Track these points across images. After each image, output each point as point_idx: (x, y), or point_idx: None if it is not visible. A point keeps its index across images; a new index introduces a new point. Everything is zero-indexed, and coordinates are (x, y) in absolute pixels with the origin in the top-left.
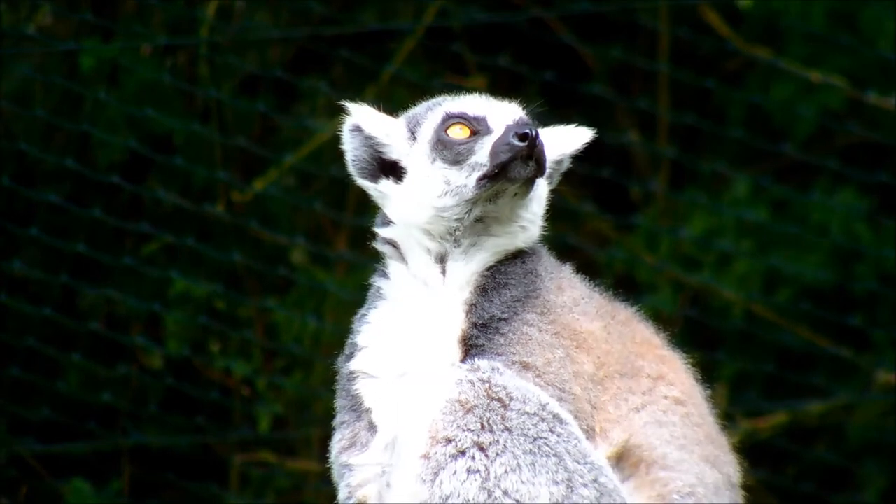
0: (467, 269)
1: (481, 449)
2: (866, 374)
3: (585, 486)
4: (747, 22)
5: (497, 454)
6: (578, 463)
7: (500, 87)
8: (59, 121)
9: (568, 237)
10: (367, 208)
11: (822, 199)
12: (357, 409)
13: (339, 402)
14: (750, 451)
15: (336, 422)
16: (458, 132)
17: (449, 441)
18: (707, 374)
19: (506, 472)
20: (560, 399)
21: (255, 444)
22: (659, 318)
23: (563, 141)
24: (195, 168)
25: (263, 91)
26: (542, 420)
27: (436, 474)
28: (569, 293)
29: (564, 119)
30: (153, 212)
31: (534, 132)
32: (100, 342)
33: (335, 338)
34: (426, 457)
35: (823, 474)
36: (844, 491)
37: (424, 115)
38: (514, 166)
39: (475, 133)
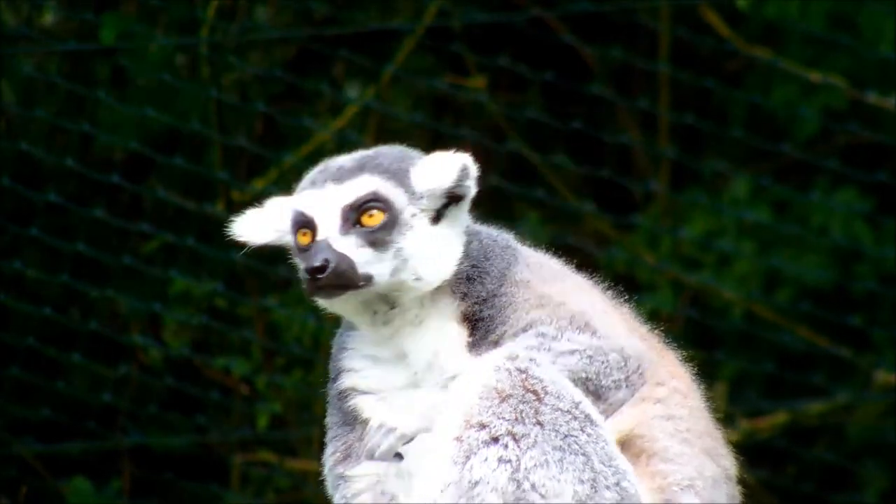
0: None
1: (515, 439)
2: (866, 374)
3: (608, 488)
4: (747, 22)
5: (528, 447)
6: (604, 465)
7: (500, 87)
8: (61, 121)
9: (568, 237)
10: None
11: (822, 199)
12: (350, 422)
13: (331, 420)
14: (750, 451)
15: (328, 437)
16: (301, 238)
17: (483, 426)
18: (707, 374)
19: (535, 465)
20: (584, 327)
21: (256, 443)
22: (659, 318)
23: (435, 174)
24: (195, 168)
25: (264, 91)
26: (574, 418)
27: (467, 458)
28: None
29: (564, 119)
30: (153, 211)
31: (319, 262)
32: (100, 342)
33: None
34: (459, 440)
35: (823, 474)
36: (844, 491)
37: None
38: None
39: (314, 235)
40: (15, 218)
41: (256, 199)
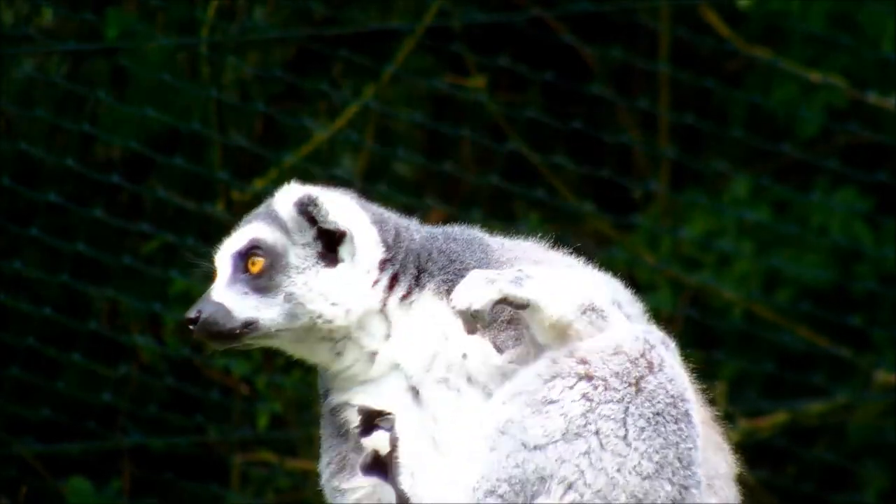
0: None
1: (605, 388)
2: (866, 374)
3: (671, 482)
4: (747, 22)
5: (613, 400)
6: (679, 462)
7: (500, 87)
8: (60, 121)
9: (568, 237)
10: None
11: (822, 199)
12: (343, 433)
13: (324, 432)
14: (750, 451)
15: (322, 447)
16: None
17: (584, 363)
18: (707, 373)
19: (610, 417)
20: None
21: (256, 443)
22: (659, 318)
23: (283, 210)
24: (195, 168)
25: (264, 91)
26: (674, 406)
27: (553, 377)
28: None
29: (564, 119)
30: (153, 211)
31: (192, 314)
32: (100, 342)
33: None
34: (555, 361)
35: (823, 474)
36: (844, 491)
37: None
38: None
39: None
40: (15, 218)
41: (256, 199)
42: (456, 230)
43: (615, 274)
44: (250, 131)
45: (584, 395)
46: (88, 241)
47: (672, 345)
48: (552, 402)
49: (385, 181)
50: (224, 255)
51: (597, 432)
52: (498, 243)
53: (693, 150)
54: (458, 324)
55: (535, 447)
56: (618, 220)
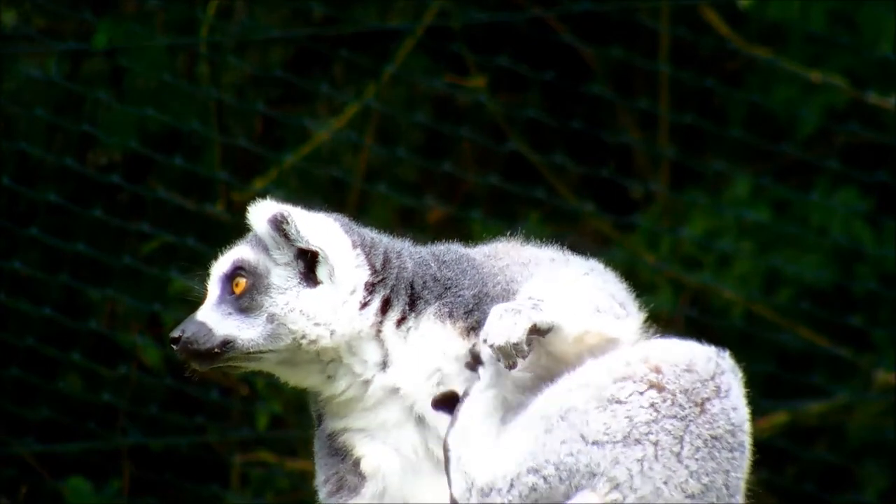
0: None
1: (673, 403)
2: (866, 374)
3: None
4: (747, 22)
5: (678, 417)
6: (727, 490)
7: (500, 87)
8: (60, 121)
9: (568, 237)
10: (367, 208)
11: (822, 199)
12: (341, 454)
13: (319, 451)
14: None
15: (318, 463)
16: None
17: (656, 371)
18: None
19: (670, 434)
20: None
21: (255, 443)
22: (659, 318)
23: (258, 228)
24: (195, 168)
25: (263, 91)
26: (733, 434)
27: (624, 379)
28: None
29: (564, 119)
30: (153, 211)
31: (176, 333)
32: (100, 342)
33: None
34: (627, 364)
35: (823, 474)
36: (844, 491)
37: None
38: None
39: None
40: (15, 218)
41: (256, 199)
42: (442, 251)
43: (615, 274)
44: (250, 131)
45: (653, 405)
46: (88, 241)
47: (739, 374)
48: (619, 402)
49: (385, 181)
50: (213, 278)
51: (656, 443)
52: (481, 255)
53: (693, 150)
54: (495, 362)
55: (594, 442)
56: (618, 220)
